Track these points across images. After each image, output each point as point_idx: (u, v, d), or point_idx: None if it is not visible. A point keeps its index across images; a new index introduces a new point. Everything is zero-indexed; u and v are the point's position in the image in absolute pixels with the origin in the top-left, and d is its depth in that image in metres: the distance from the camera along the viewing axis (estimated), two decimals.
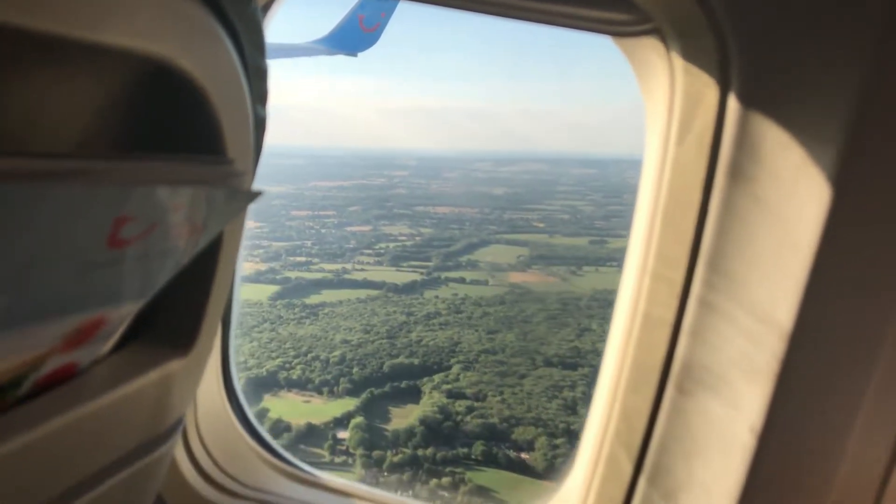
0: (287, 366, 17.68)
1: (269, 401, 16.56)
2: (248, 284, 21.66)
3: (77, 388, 0.79)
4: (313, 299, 21.74)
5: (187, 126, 0.81)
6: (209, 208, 0.76)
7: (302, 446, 15.08)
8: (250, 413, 2.18)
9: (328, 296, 21.97)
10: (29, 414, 0.72)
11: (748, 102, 1.27)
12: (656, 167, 1.47)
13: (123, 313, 0.78)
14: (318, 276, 23.42)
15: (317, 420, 16.05)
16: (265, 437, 2.19)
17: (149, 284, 0.76)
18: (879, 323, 1.27)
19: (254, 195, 0.83)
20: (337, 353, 18.12)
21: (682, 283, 1.45)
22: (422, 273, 23.64)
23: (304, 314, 20.63)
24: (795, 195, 1.24)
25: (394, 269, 24.13)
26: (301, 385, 17.20)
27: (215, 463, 2.02)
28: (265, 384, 17.01)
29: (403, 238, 26.49)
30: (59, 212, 0.57)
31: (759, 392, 1.34)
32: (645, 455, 1.60)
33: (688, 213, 1.41)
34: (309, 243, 25.63)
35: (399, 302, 21.60)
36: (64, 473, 0.81)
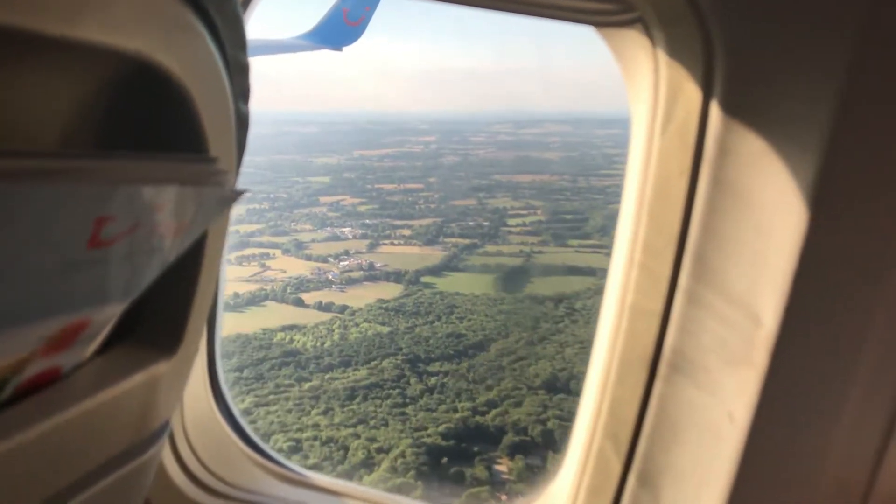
0: None
1: None
2: (455, 273, 20.56)
3: (61, 392, 0.78)
4: (531, 289, 19.72)
5: (169, 124, 0.80)
6: (192, 207, 0.75)
7: None
8: (238, 414, 2.17)
9: (544, 285, 19.95)
10: (11, 419, 0.71)
11: (731, 93, 1.27)
12: (641, 158, 1.47)
13: (107, 315, 0.76)
14: (506, 261, 21.40)
15: None
16: (253, 437, 2.18)
17: (132, 285, 0.75)
18: (861, 316, 1.29)
19: (237, 194, 0.82)
20: None
21: (668, 274, 1.46)
22: (605, 254, 21.87)
23: (565, 311, 18.12)
24: (776, 188, 1.25)
25: (570, 250, 21.77)
26: None
27: (203, 465, 2.01)
28: None
29: (524, 212, 24.24)
30: (39, 211, 0.55)
31: (744, 382, 1.35)
32: (632, 446, 1.61)
33: (672, 204, 1.41)
34: (439, 220, 23.73)
35: None
36: (48, 479, 0.80)
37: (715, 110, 1.30)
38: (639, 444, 1.60)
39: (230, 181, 0.87)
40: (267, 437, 13.77)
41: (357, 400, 14.99)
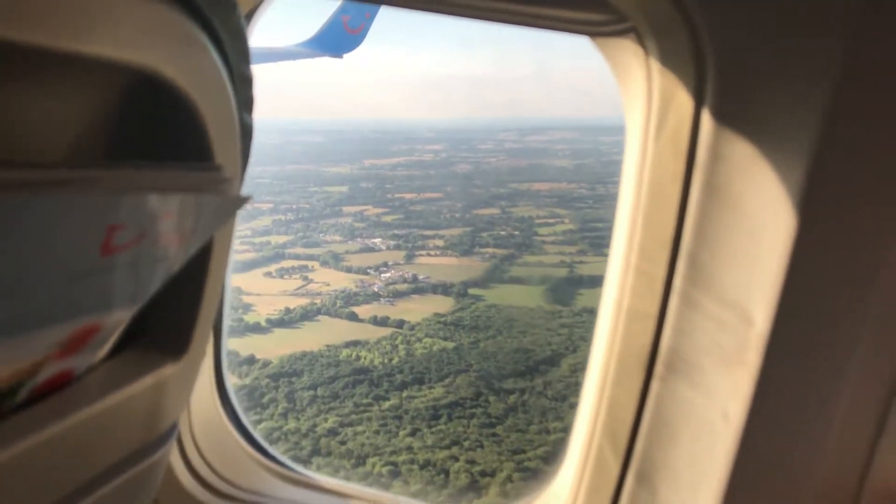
0: None
1: None
2: (501, 285, 20.11)
3: (72, 395, 0.80)
4: (583, 301, 19.27)
5: (175, 134, 0.83)
6: (198, 215, 0.77)
7: None
8: (244, 416, 2.19)
9: (595, 296, 19.59)
10: (25, 421, 0.73)
11: (722, 101, 1.30)
12: (636, 164, 1.50)
13: (117, 320, 0.79)
14: (550, 272, 21.01)
15: None
16: (259, 440, 2.20)
17: (141, 291, 0.77)
18: (851, 316, 1.31)
19: (242, 201, 0.84)
20: None
21: (663, 277, 1.48)
22: None
23: None
24: (766, 192, 1.27)
25: (604, 258, 21.52)
26: None
27: (210, 467, 2.03)
28: None
29: (551, 221, 24.15)
30: (52, 220, 0.58)
31: (738, 381, 1.37)
32: (630, 446, 1.63)
33: (666, 208, 1.44)
34: (468, 230, 23.37)
35: None
36: (60, 480, 0.82)
37: (706, 118, 1.32)
38: (636, 444, 1.62)
39: (234, 189, 0.90)
40: (362, 459, 13.58)
41: (442, 420, 14.71)
